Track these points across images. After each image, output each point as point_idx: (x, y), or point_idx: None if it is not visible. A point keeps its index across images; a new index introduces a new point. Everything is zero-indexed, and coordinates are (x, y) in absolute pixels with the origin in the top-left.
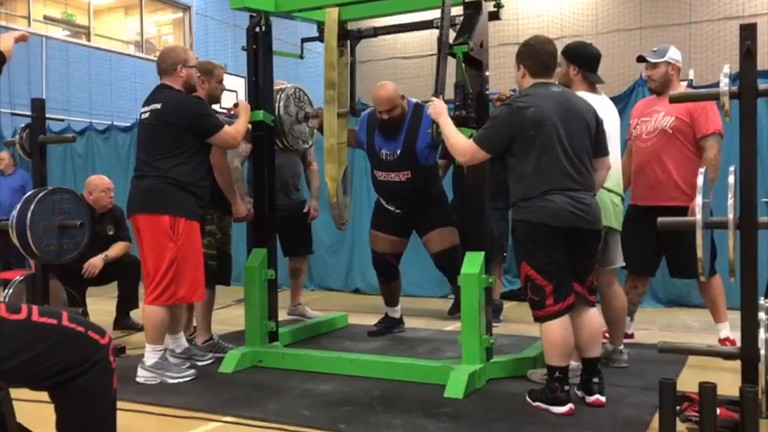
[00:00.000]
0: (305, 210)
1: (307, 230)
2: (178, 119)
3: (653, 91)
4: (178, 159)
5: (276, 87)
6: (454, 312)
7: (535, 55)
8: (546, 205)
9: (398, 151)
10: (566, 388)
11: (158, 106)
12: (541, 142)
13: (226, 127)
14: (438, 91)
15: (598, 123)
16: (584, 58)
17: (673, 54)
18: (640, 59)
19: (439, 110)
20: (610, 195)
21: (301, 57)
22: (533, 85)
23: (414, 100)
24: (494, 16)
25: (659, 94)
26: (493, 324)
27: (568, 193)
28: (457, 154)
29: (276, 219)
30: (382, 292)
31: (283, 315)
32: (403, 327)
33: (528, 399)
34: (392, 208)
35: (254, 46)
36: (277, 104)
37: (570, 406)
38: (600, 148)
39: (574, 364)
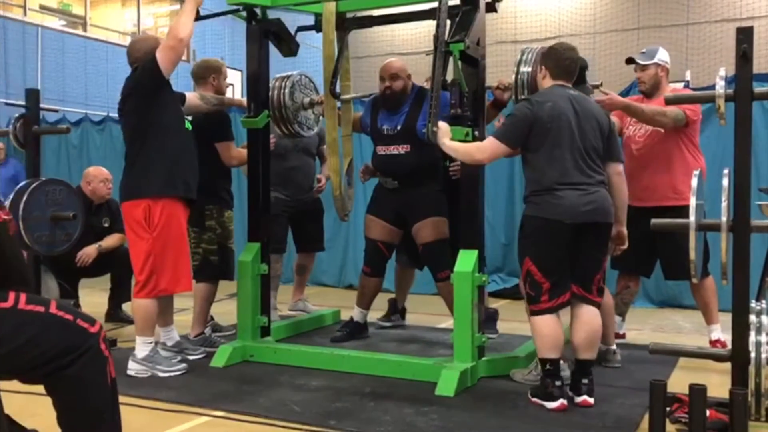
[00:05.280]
0: (318, 178)
1: (320, 226)
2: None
3: (643, 92)
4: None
5: (282, 75)
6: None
7: (559, 59)
8: (559, 202)
9: (398, 127)
10: (557, 383)
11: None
12: (555, 134)
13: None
14: (432, 122)
15: (611, 127)
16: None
17: (662, 55)
18: (630, 61)
19: (443, 132)
20: None
21: (297, 47)
22: (551, 86)
23: (418, 84)
24: (491, 8)
25: (648, 96)
26: (490, 335)
27: (579, 186)
28: (476, 155)
29: (270, 213)
30: (361, 286)
31: (284, 311)
32: (367, 334)
33: (529, 395)
34: (389, 179)
35: (251, 39)
36: (282, 91)
37: (561, 401)
38: (612, 153)
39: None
